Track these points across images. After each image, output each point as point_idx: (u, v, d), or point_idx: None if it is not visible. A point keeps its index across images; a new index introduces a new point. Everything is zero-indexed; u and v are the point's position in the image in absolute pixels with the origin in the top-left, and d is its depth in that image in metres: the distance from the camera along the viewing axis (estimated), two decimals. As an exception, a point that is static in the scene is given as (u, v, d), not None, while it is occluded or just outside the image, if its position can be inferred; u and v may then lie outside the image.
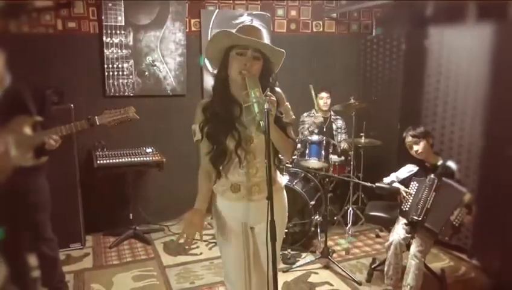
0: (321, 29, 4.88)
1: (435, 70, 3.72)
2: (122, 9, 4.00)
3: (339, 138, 4.41)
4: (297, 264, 3.40)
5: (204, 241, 3.89)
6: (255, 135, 1.79)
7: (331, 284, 3.14)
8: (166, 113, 4.32)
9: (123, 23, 4.03)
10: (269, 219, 1.62)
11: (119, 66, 4.09)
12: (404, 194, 2.88)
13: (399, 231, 2.86)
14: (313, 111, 4.33)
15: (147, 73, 4.20)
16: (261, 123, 1.59)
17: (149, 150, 3.98)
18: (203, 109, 1.82)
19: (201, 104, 1.85)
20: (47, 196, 2.64)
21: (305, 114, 4.41)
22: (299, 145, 3.91)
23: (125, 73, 4.12)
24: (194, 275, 3.28)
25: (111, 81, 4.08)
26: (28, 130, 2.42)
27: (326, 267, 3.37)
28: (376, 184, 2.93)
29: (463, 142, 3.54)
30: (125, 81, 4.14)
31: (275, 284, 1.68)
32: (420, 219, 2.76)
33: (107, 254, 3.67)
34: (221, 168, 1.86)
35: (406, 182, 2.97)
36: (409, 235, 2.80)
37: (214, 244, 3.83)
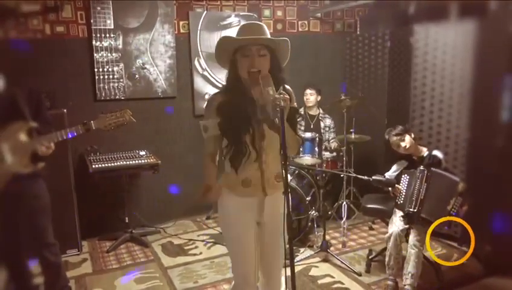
0: (306, 29, 4.98)
1: (421, 67, 3.86)
2: (111, 12, 3.98)
3: (327, 136, 4.47)
4: (297, 259, 3.46)
5: (202, 241, 3.93)
6: (267, 132, 1.85)
7: (332, 276, 3.22)
8: (157, 116, 4.32)
9: (112, 27, 4.01)
10: (286, 212, 1.70)
11: (110, 69, 4.07)
12: (399, 188, 2.97)
13: (397, 222, 2.95)
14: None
15: (137, 76, 4.20)
16: (276, 120, 1.66)
17: (142, 152, 3.97)
18: (218, 108, 1.86)
19: (214, 101, 1.90)
20: (47, 200, 2.62)
21: None
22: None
23: (115, 76, 4.10)
24: (196, 275, 3.31)
25: (101, 85, 4.06)
26: (23, 137, 2.39)
27: (326, 260, 3.46)
28: (373, 177, 3.02)
29: (450, 135, 3.70)
30: (116, 84, 4.12)
31: (293, 276, 1.76)
32: (415, 210, 2.85)
33: (106, 259, 3.65)
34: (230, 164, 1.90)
35: (397, 177, 3.07)
36: (407, 226, 2.91)
37: (212, 243, 3.86)
